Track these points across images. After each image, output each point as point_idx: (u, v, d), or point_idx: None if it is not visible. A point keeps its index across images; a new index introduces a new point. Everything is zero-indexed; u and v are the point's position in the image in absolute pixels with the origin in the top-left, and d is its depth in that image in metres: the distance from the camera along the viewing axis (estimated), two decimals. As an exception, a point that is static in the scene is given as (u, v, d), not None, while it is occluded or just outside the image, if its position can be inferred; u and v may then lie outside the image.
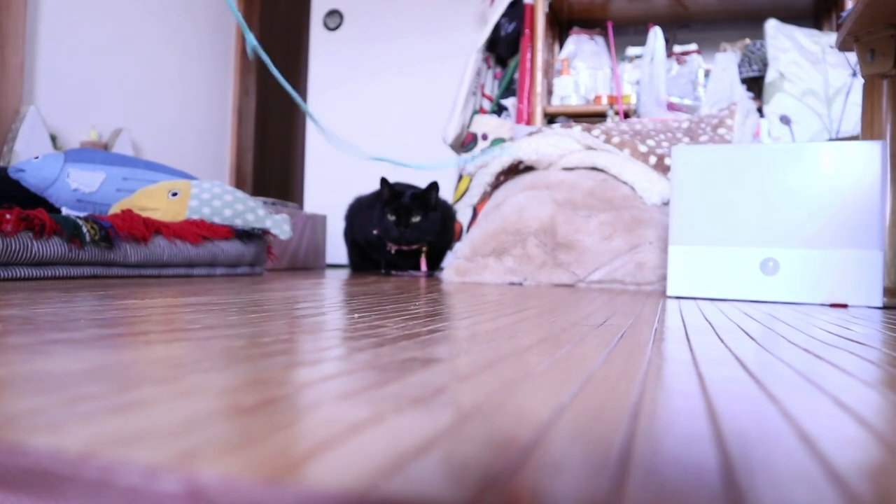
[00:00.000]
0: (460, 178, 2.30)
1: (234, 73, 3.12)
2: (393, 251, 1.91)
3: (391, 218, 1.82)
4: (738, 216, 1.13)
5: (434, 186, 1.87)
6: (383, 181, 1.86)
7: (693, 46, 2.50)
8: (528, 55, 2.46)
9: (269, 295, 0.89)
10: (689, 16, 2.64)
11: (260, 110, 3.46)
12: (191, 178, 1.82)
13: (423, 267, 1.93)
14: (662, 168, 1.66)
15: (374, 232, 1.90)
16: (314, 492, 0.17)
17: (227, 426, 0.23)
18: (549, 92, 2.57)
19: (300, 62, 3.86)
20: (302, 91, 3.84)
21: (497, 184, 1.90)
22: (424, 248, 1.92)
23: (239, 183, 3.13)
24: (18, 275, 1.06)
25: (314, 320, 0.59)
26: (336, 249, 2.92)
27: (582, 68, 2.56)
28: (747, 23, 2.64)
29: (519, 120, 2.45)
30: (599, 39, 2.65)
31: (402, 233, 1.83)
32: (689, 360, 0.43)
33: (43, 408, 0.24)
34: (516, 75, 2.53)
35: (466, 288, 1.27)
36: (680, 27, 2.69)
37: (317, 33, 3.08)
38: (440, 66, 2.93)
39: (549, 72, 2.59)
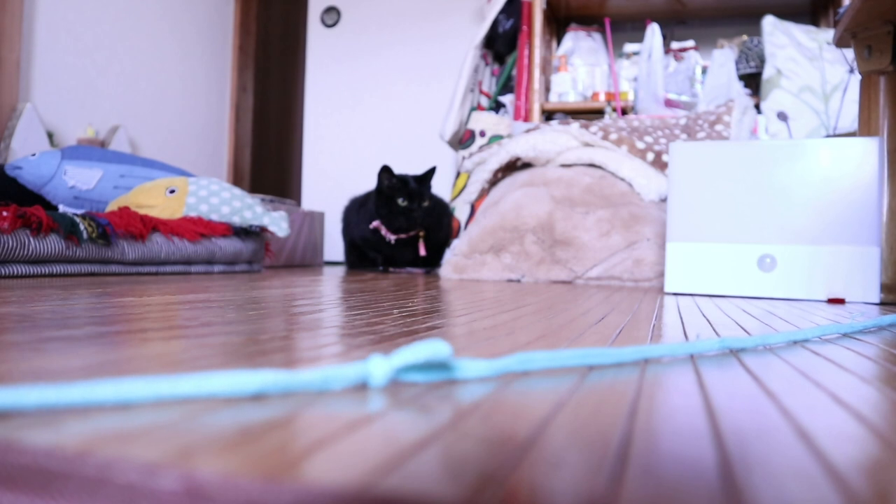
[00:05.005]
0: (458, 175, 2.30)
1: (232, 69, 3.11)
2: (393, 240, 1.91)
3: (403, 203, 1.83)
4: (735, 213, 1.13)
5: (434, 170, 1.90)
6: (385, 169, 1.85)
7: (690, 43, 2.49)
8: (526, 52, 2.46)
9: (267, 292, 0.89)
10: (687, 12, 2.64)
11: (258, 107, 3.45)
12: (188, 175, 1.82)
13: (423, 251, 1.94)
14: (660, 165, 1.66)
15: (372, 226, 1.90)
16: (312, 489, 0.17)
17: (225, 423, 0.23)
18: (547, 89, 2.57)
19: (298, 59, 3.86)
20: (300, 88, 3.84)
21: (495, 181, 1.90)
22: (421, 234, 1.93)
23: (236, 180, 3.13)
24: (16, 272, 1.06)
25: (312, 317, 0.58)
26: (334, 246, 2.92)
27: (579, 65, 2.56)
28: (744, 19, 2.64)
29: (517, 117, 2.45)
30: (597, 36, 2.64)
31: (416, 218, 1.85)
32: (686, 356, 0.43)
33: (40, 405, 0.24)
34: (514, 72, 2.52)
35: (464, 285, 1.27)
36: (677, 24, 2.69)
37: (314, 30, 3.07)
38: (438, 62, 2.92)
39: (547, 68, 2.59)
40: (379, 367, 0.29)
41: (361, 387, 0.30)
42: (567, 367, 0.36)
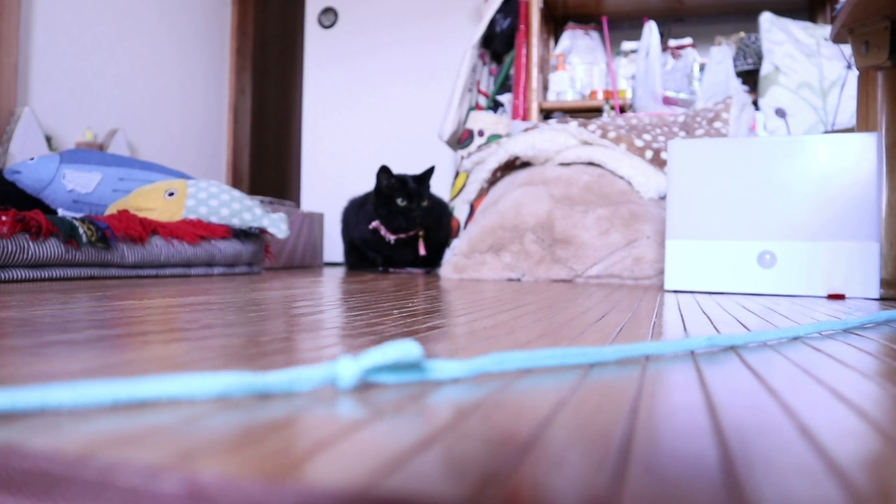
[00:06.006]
0: (457, 174, 2.29)
1: (230, 71, 3.11)
2: (392, 241, 1.91)
3: (402, 203, 1.83)
4: (734, 210, 1.13)
5: (432, 170, 1.89)
6: (384, 169, 1.85)
7: (688, 40, 2.49)
8: (524, 51, 2.46)
9: (267, 294, 0.89)
10: (684, 10, 2.64)
11: (256, 109, 3.45)
12: (187, 177, 1.82)
13: (423, 251, 1.94)
14: (659, 162, 1.66)
15: (371, 226, 1.90)
16: (314, 490, 0.17)
17: (227, 425, 0.23)
18: (545, 87, 2.57)
19: (296, 61, 3.86)
20: (298, 90, 3.84)
21: (494, 180, 1.90)
22: (421, 233, 1.93)
23: (235, 182, 3.13)
24: (15, 277, 1.06)
25: (313, 318, 0.58)
26: (333, 247, 2.92)
27: (577, 63, 2.56)
28: (742, 16, 2.64)
29: (515, 116, 2.45)
30: (594, 34, 2.64)
31: (415, 217, 1.84)
32: (687, 354, 0.43)
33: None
34: (512, 71, 2.52)
35: (464, 285, 1.27)
36: (675, 21, 2.69)
37: (312, 31, 3.07)
38: (436, 62, 2.92)
39: (545, 67, 2.59)
40: (347, 368, 0.28)
41: (363, 389, 0.30)
42: (545, 367, 0.36)
